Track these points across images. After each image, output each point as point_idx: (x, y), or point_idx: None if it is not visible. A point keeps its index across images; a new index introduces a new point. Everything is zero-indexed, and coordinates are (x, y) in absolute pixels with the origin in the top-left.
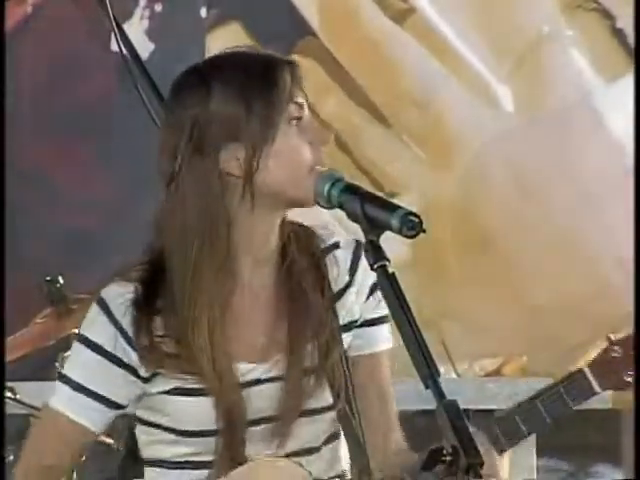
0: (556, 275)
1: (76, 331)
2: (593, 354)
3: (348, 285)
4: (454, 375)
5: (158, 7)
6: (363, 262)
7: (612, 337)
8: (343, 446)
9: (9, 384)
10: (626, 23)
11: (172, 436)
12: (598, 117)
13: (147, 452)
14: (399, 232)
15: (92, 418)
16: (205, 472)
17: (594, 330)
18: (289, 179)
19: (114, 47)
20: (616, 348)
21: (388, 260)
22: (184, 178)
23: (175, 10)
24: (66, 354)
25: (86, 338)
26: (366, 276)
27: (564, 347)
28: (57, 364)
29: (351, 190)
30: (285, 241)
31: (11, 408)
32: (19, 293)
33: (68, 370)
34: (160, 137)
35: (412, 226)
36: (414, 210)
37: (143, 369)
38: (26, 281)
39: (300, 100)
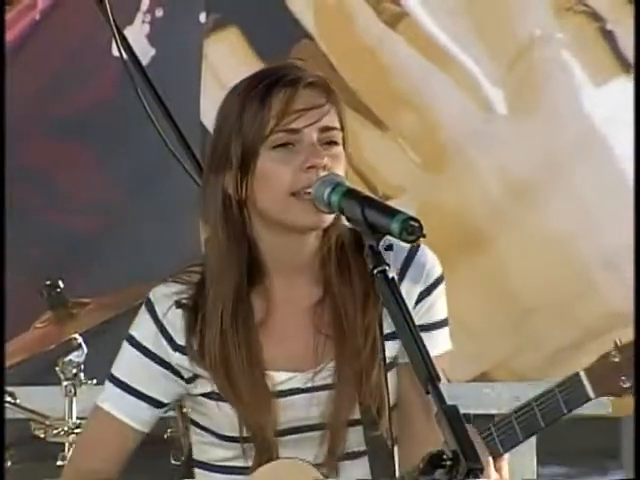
0: (545, 277)
1: (76, 335)
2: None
3: None
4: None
5: (159, 12)
6: (417, 263)
7: (617, 342)
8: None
9: (9, 389)
10: (615, 25)
11: (214, 439)
12: (588, 120)
13: (195, 453)
14: (399, 237)
15: (139, 417)
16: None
17: (583, 332)
18: (272, 204)
19: (115, 52)
20: (614, 353)
21: (388, 265)
22: (203, 195)
23: (175, 15)
24: (66, 358)
25: (131, 337)
26: (415, 283)
27: (553, 349)
28: (57, 369)
29: (351, 195)
30: (325, 252)
31: (11, 413)
32: (19, 297)
33: (115, 370)
34: None
35: (412, 231)
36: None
37: (185, 370)
38: (26, 285)
39: (294, 126)
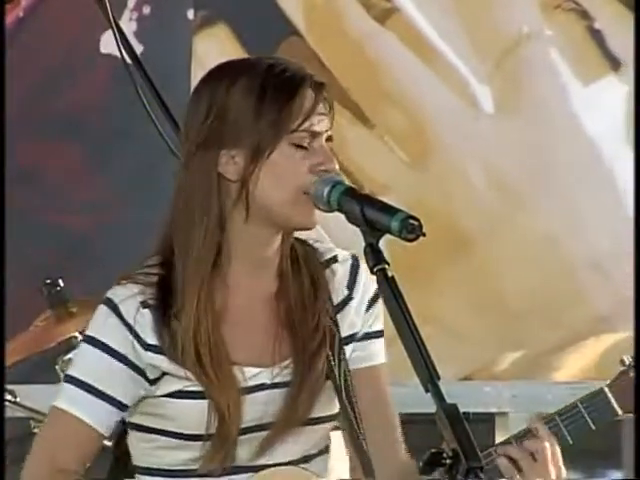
0: (532, 279)
1: (76, 334)
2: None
3: (347, 299)
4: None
5: (146, 9)
6: (362, 275)
7: (625, 359)
8: (331, 461)
9: (9, 387)
10: (604, 24)
11: (174, 441)
12: (575, 119)
13: (142, 460)
14: (399, 235)
15: (101, 419)
16: None
17: (569, 336)
18: (277, 197)
19: (104, 49)
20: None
21: (388, 263)
22: (187, 168)
23: (163, 12)
24: (66, 357)
25: (95, 339)
26: (366, 289)
27: (538, 352)
28: (57, 367)
29: (351, 193)
30: (284, 255)
31: (11, 411)
32: (17, 297)
33: (75, 371)
34: (183, 121)
35: (412, 229)
36: None
37: (151, 371)
38: (24, 285)
39: (316, 129)
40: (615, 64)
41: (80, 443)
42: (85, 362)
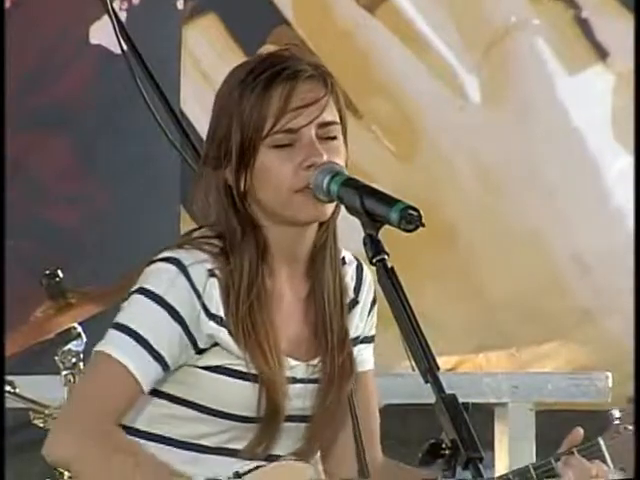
0: (514, 271)
1: (75, 325)
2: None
3: (354, 302)
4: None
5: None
6: (366, 280)
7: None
8: None
9: (8, 378)
10: (591, 13)
11: (192, 412)
12: (562, 108)
13: (154, 427)
14: (398, 226)
15: (147, 374)
16: (216, 458)
17: (550, 329)
18: (273, 200)
19: (92, 40)
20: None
21: (387, 254)
22: (202, 183)
23: (152, 2)
24: (65, 347)
25: (158, 296)
26: (368, 294)
27: (521, 343)
28: (56, 358)
29: (350, 184)
30: (318, 246)
31: (10, 402)
32: (17, 288)
33: (129, 321)
34: None
35: (411, 220)
36: None
37: (205, 340)
38: (24, 276)
39: (292, 126)
40: (602, 53)
41: (125, 394)
42: (141, 315)
